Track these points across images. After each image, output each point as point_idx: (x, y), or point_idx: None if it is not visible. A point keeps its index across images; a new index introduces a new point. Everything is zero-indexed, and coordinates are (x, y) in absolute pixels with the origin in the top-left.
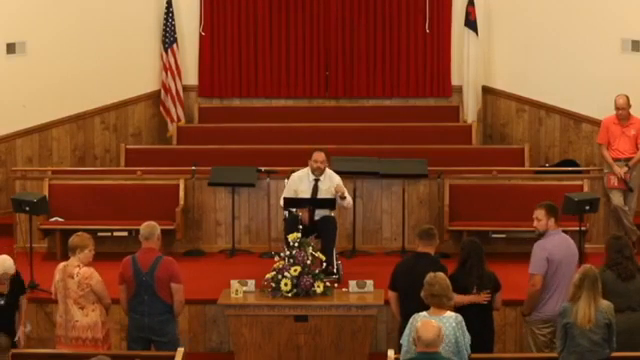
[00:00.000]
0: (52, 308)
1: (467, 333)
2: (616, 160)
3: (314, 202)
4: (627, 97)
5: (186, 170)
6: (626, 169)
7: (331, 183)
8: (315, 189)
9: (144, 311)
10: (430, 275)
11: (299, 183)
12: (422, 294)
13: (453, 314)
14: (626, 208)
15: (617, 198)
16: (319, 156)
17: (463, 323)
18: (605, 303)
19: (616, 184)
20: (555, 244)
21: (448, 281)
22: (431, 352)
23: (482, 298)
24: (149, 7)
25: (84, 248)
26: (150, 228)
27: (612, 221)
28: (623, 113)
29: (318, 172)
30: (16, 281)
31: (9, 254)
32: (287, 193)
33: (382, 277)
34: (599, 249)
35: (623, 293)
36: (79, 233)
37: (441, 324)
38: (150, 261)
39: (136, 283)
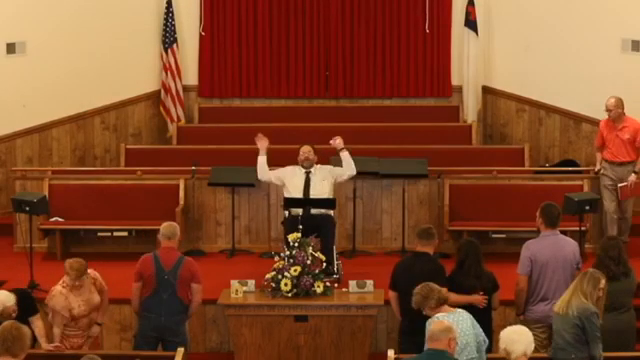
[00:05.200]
0: None
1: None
2: (610, 163)
3: (315, 202)
4: (618, 99)
5: (186, 170)
6: (634, 177)
7: (322, 174)
8: (307, 182)
9: (161, 311)
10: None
11: (292, 176)
12: (417, 307)
13: (461, 309)
14: (615, 216)
15: (609, 203)
16: (305, 148)
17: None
18: (583, 305)
19: (627, 194)
20: (543, 245)
21: (430, 284)
22: (440, 350)
23: (479, 300)
24: (149, 7)
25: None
26: (173, 228)
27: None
28: (612, 114)
29: (307, 163)
30: (22, 304)
31: (9, 254)
32: (274, 177)
33: (382, 277)
34: (597, 249)
35: (610, 293)
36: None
37: (456, 320)
38: (173, 260)
39: (157, 282)
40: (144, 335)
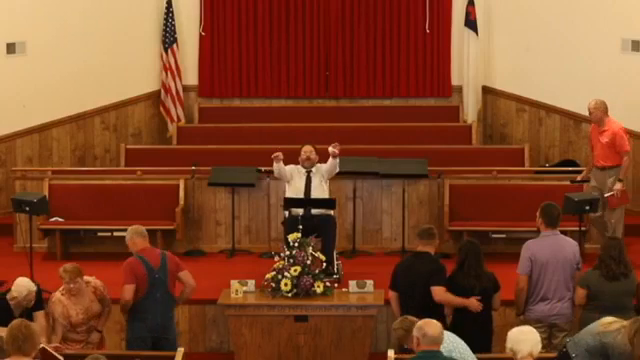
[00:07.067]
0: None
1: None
2: (595, 168)
3: (315, 202)
4: (599, 101)
5: (186, 170)
6: (619, 185)
7: (321, 174)
8: (308, 182)
9: (157, 311)
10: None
11: (293, 174)
12: (400, 342)
13: (447, 332)
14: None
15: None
16: (307, 147)
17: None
18: (614, 343)
19: (615, 203)
20: (543, 245)
21: (409, 317)
22: (435, 350)
23: (475, 305)
24: (149, 7)
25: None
26: (141, 227)
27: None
28: (593, 117)
29: (308, 163)
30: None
31: (9, 254)
32: (287, 172)
33: (382, 277)
34: (599, 249)
35: (610, 293)
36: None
37: (453, 342)
38: (158, 258)
39: (148, 282)
40: (141, 337)
